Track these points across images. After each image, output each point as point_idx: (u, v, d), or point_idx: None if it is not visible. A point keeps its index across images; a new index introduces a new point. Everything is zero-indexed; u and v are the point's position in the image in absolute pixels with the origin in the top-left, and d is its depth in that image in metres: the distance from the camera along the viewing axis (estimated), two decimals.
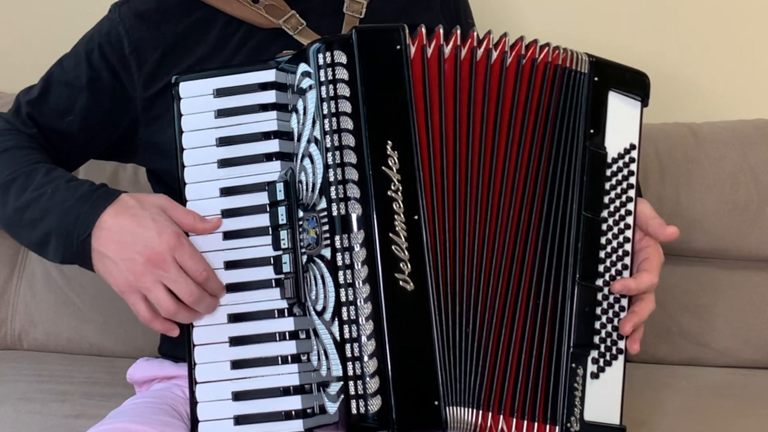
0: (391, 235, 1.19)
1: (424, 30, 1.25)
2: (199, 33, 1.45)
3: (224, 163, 1.27)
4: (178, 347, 1.35)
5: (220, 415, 1.24)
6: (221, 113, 1.28)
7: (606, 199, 1.29)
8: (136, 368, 1.55)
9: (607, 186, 1.29)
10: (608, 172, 1.30)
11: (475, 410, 1.21)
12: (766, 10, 2.11)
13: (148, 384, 1.54)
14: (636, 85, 1.34)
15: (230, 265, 1.26)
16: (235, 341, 1.25)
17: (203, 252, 1.26)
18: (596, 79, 1.31)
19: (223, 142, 1.28)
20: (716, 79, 2.13)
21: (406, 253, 1.19)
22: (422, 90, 1.24)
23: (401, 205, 1.20)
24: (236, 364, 1.24)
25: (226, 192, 1.27)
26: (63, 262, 1.32)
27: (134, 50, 1.44)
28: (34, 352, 1.96)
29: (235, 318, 1.26)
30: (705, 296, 1.97)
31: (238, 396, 1.23)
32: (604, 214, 1.28)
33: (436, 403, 1.18)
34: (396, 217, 1.19)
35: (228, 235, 1.26)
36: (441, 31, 1.27)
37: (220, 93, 1.29)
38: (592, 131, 1.29)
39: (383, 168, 1.20)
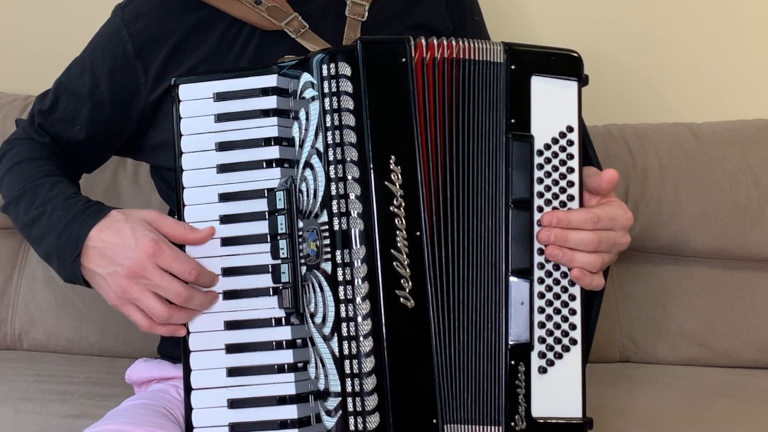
0: (392, 251, 1.18)
1: (424, 41, 1.23)
2: (202, 33, 1.44)
3: (223, 168, 1.26)
4: (176, 348, 1.35)
5: (215, 423, 1.23)
6: (221, 117, 1.27)
7: (541, 188, 1.25)
8: (134, 369, 1.56)
9: (541, 174, 1.25)
10: (541, 160, 1.25)
11: (470, 426, 1.21)
12: (766, 11, 2.11)
13: (147, 384, 1.54)
14: (564, 66, 1.27)
15: (227, 271, 1.25)
16: (232, 348, 1.24)
17: (200, 258, 1.25)
18: (513, 67, 1.25)
19: (223, 147, 1.26)
20: (716, 79, 2.13)
21: (408, 269, 1.18)
22: (423, 102, 1.22)
23: (403, 221, 1.19)
24: (232, 372, 1.24)
25: (225, 198, 1.26)
26: (67, 281, 1.35)
27: (140, 54, 1.44)
28: (34, 352, 1.96)
29: (231, 325, 1.25)
30: (705, 296, 1.97)
31: (233, 404, 1.23)
32: (540, 203, 1.24)
33: (435, 420, 1.18)
34: (398, 232, 1.18)
35: (226, 242, 1.26)
36: (435, 41, 1.24)
37: (220, 97, 1.27)
38: (513, 121, 1.25)
39: (386, 183, 1.19)
